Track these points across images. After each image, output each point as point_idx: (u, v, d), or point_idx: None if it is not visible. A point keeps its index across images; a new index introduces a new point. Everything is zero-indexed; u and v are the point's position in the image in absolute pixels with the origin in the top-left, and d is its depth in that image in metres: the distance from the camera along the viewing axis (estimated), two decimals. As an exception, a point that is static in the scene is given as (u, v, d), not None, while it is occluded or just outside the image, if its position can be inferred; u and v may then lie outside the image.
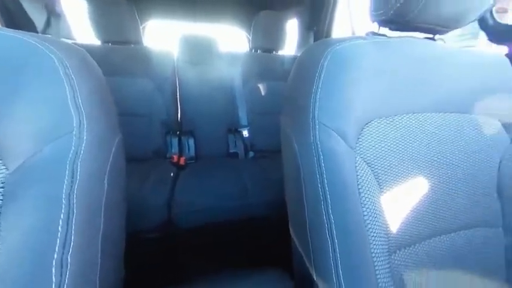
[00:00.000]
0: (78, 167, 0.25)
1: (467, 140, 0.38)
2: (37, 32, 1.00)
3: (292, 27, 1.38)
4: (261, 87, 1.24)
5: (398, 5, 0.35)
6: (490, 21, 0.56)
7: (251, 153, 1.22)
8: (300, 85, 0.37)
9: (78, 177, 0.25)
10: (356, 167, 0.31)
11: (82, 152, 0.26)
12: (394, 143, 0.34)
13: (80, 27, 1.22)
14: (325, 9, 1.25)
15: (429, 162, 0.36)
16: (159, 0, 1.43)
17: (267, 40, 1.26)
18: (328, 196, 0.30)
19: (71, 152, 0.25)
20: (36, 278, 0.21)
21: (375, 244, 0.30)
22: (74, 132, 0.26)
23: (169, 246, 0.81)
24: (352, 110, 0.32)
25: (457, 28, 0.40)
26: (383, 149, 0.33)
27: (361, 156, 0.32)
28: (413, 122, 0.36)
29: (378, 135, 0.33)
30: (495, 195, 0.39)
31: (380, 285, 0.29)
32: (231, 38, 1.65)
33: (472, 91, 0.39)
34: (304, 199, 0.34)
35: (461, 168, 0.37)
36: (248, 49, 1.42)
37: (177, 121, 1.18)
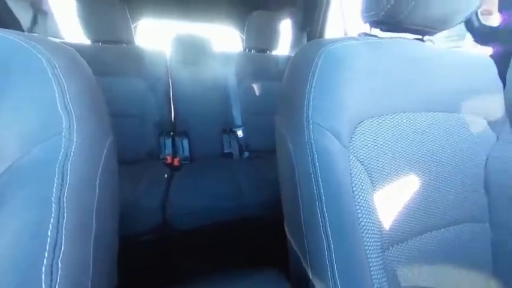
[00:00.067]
0: (68, 169, 0.24)
1: (456, 138, 0.40)
2: (23, 31, 0.96)
3: (285, 27, 1.38)
4: (255, 87, 1.25)
5: (389, 6, 0.36)
6: (476, 23, 0.58)
7: (246, 154, 1.22)
8: (294, 85, 0.37)
9: (68, 180, 0.24)
10: (350, 165, 0.32)
11: (72, 153, 0.25)
12: (386, 142, 0.35)
13: (69, 25, 1.19)
14: (318, 9, 1.26)
15: (419, 160, 0.36)
16: None
17: (260, 40, 1.26)
18: (323, 195, 0.31)
19: (61, 153, 0.24)
20: (25, 284, 0.20)
21: (368, 241, 0.30)
22: (63, 134, 0.25)
23: (164, 249, 0.80)
24: (345, 110, 0.33)
25: (445, 29, 0.41)
26: (375, 147, 0.34)
27: (355, 155, 0.33)
28: (405, 121, 0.37)
29: (370, 134, 0.34)
30: (482, 191, 0.41)
31: (374, 281, 0.30)
32: (225, 38, 1.65)
33: (459, 91, 0.41)
34: (299, 198, 0.34)
35: (450, 166, 0.39)
36: (242, 49, 1.41)
37: (170, 121, 1.17)
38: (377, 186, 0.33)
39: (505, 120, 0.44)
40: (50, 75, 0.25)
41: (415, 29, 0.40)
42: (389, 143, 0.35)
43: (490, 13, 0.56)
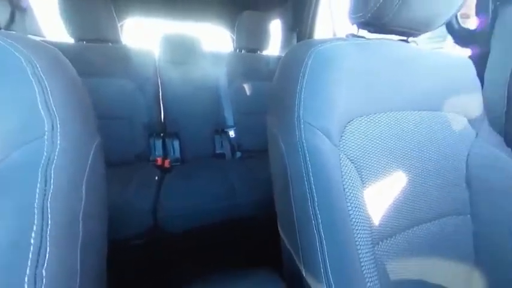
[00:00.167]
0: (52, 173, 0.23)
1: (439, 135, 0.41)
2: None
3: (275, 27, 1.39)
4: (246, 87, 1.25)
5: (375, 8, 0.37)
6: (456, 26, 0.61)
7: (238, 154, 1.21)
8: (284, 85, 0.37)
9: (52, 185, 0.23)
10: (340, 164, 0.32)
11: (56, 157, 0.24)
12: (375, 140, 0.36)
13: (50, 23, 1.14)
14: (307, 10, 1.28)
15: (406, 157, 0.38)
16: None
17: (251, 40, 1.26)
18: (315, 193, 0.31)
19: (43, 157, 0.23)
20: None
21: (359, 237, 0.31)
22: (46, 137, 0.24)
23: (156, 252, 0.79)
24: (335, 109, 0.33)
25: (428, 31, 0.43)
26: (364, 146, 0.35)
27: (345, 153, 0.33)
28: (392, 119, 0.38)
29: (359, 132, 0.35)
30: (464, 185, 0.43)
31: (365, 275, 0.30)
32: (215, 38, 1.63)
33: (441, 90, 0.42)
34: (291, 197, 0.34)
35: (434, 162, 0.40)
36: (232, 49, 1.41)
37: (160, 123, 1.15)
38: (366, 183, 0.34)
39: (484, 117, 0.47)
40: (30, 75, 0.24)
41: (400, 30, 0.41)
42: (377, 141, 0.36)
43: (468, 16, 0.59)
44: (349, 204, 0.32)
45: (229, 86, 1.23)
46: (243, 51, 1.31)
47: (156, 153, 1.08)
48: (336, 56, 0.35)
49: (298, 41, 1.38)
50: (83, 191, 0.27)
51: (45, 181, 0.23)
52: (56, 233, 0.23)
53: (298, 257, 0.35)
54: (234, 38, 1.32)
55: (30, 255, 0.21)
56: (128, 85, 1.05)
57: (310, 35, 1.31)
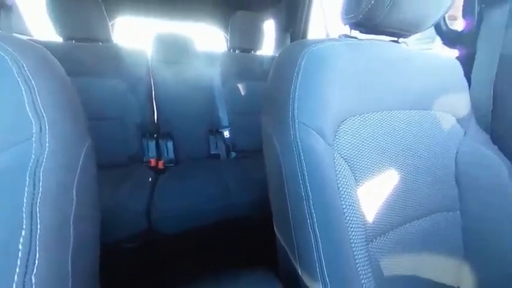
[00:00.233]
0: (41, 176, 0.23)
1: (429, 134, 0.42)
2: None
3: (269, 28, 1.40)
4: (241, 87, 1.24)
5: (366, 9, 0.38)
6: (444, 27, 0.63)
7: (233, 154, 1.21)
8: (278, 85, 0.37)
9: (41, 188, 0.22)
10: (334, 162, 0.33)
11: (44, 160, 0.23)
12: (367, 139, 0.36)
13: (38, 22, 1.10)
14: (300, 10, 1.29)
15: (398, 156, 0.39)
16: None
17: (244, 40, 1.26)
18: (310, 192, 0.32)
19: (31, 160, 0.23)
20: None
21: (353, 235, 0.32)
22: (34, 139, 0.23)
23: (150, 254, 0.78)
24: (328, 109, 0.34)
25: (417, 32, 0.44)
26: (358, 144, 0.35)
27: (339, 152, 0.34)
28: (384, 118, 0.39)
29: (352, 132, 0.36)
30: (453, 182, 0.44)
31: (360, 273, 0.31)
32: (208, 38, 1.62)
33: (430, 90, 0.44)
34: (286, 195, 0.34)
35: (425, 160, 0.41)
36: (226, 49, 1.41)
37: (153, 123, 1.13)
38: (360, 181, 0.35)
39: (471, 116, 0.48)
40: (16, 75, 0.23)
41: (391, 31, 0.42)
42: (370, 140, 0.37)
43: (455, 18, 0.61)
44: (343, 202, 0.32)
45: (224, 86, 1.22)
46: (237, 51, 1.30)
47: (150, 154, 1.07)
48: (329, 56, 0.35)
49: (291, 41, 1.39)
50: (74, 194, 0.26)
51: (34, 184, 0.22)
52: (46, 237, 0.22)
53: (293, 255, 0.35)
54: (228, 38, 1.31)
55: (19, 262, 0.20)
56: (119, 85, 1.03)
57: (304, 35, 1.32)
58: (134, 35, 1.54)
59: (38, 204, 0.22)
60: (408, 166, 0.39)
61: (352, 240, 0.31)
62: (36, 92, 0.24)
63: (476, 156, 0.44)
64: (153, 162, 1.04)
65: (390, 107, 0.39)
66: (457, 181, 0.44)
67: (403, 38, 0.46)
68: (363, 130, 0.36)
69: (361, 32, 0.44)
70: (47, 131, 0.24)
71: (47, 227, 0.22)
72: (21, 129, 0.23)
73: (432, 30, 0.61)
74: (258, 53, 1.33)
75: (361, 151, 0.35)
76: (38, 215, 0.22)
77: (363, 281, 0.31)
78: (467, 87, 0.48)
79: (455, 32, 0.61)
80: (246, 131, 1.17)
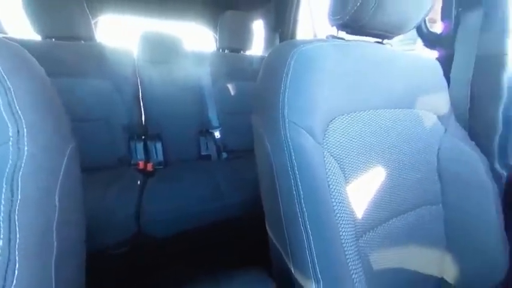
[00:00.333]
0: (19, 182, 0.21)
1: (413, 131, 0.44)
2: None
3: (258, 28, 1.40)
4: (231, 87, 1.24)
5: (352, 11, 0.39)
6: (424, 30, 0.66)
7: (224, 155, 1.20)
8: (268, 85, 0.38)
9: (19, 195, 0.21)
10: (324, 161, 0.34)
11: (23, 164, 0.22)
12: (355, 137, 0.37)
13: (14, 19, 1.04)
14: (288, 11, 1.30)
15: (384, 153, 0.40)
16: None
17: (234, 40, 1.26)
18: (301, 190, 0.32)
19: (8, 165, 0.21)
20: None
21: (344, 231, 0.32)
22: (11, 143, 0.22)
23: (141, 259, 0.76)
24: (318, 108, 0.34)
25: (401, 34, 0.46)
26: (346, 143, 0.36)
27: (328, 150, 0.35)
28: (370, 117, 0.40)
29: (341, 130, 0.36)
30: (436, 177, 0.47)
31: (350, 268, 0.32)
32: (196, 37, 1.60)
33: (413, 89, 0.46)
34: (278, 194, 0.35)
35: (409, 156, 0.43)
36: (215, 49, 1.39)
37: (141, 125, 1.10)
38: (349, 179, 0.36)
39: (451, 114, 0.51)
40: None
41: (376, 33, 0.44)
42: (358, 138, 0.38)
43: (434, 21, 0.64)
44: (333, 200, 0.33)
45: (214, 86, 1.21)
46: (226, 51, 1.30)
47: (138, 156, 1.04)
48: (317, 56, 0.36)
49: (280, 41, 1.40)
50: (56, 199, 0.25)
51: (12, 190, 0.21)
52: (26, 246, 0.21)
53: (286, 254, 0.35)
54: (217, 37, 1.30)
55: None
56: (104, 85, 0.99)
57: (293, 36, 1.34)
58: (119, 33, 1.49)
59: (16, 211, 0.21)
60: (394, 163, 0.41)
61: (342, 237, 0.32)
62: (13, 92, 0.23)
63: (456, 152, 0.47)
64: (141, 164, 1.01)
65: (376, 106, 0.41)
66: (439, 176, 0.47)
67: (388, 39, 0.48)
68: (351, 129, 0.37)
69: (347, 33, 0.45)
70: (25, 134, 0.23)
71: (27, 235, 0.21)
72: None
73: (414, 32, 0.63)
74: (248, 53, 1.33)
75: (349, 149, 0.36)
76: (17, 222, 0.21)
77: (353, 275, 0.32)
78: (447, 86, 0.51)
79: (435, 34, 0.64)
80: (237, 131, 1.17)
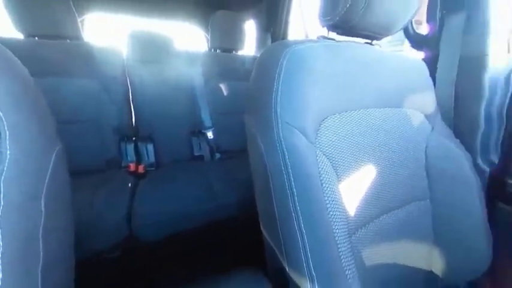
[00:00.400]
0: (1, 187, 0.21)
1: (401, 130, 0.46)
2: None
3: (250, 28, 1.40)
4: (223, 87, 1.23)
5: (342, 12, 0.39)
6: (411, 31, 0.68)
7: (217, 155, 1.19)
8: (261, 85, 0.38)
9: (2, 200, 0.20)
10: (317, 160, 0.34)
11: (5, 168, 0.21)
12: (347, 136, 0.38)
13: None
14: (280, 11, 1.31)
15: (374, 151, 0.41)
16: None
17: (225, 40, 1.25)
18: (294, 189, 0.32)
19: None
20: None
21: (337, 228, 0.33)
22: None
23: (133, 263, 0.74)
24: (310, 108, 0.35)
25: (389, 35, 0.47)
26: (338, 141, 0.37)
27: (321, 149, 0.35)
28: (361, 116, 0.41)
29: (333, 130, 0.37)
30: (424, 174, 0.48)
31: (344, 265, 0.32)
32: (187, 37, 1.58)
33: (402, 89, 0.47)
34: (272, 194, 0.35)
35: (398, 154, 0.44)
36: (207, 48, 1.38)
37: (131, 125, 1.08)
38: (341, 177, 0.37)
39: (437, 113, 0.53)
40: None
41: (366, 34, 0.45)
42: (349, 137, 0.38)
43: (420, 23, 0.66)
44: (326, 198, 0.33)
45: (206, 86, 1.20)
46: (218, 50, 1.29)
47: (129, 158, 1.01)
48: (308, 57, 0.36)
49: (272, 41, 1.41)
50: (43, 204, 0.24)
51: None
52: (10, 255, 0.20)
53: (280, 252, 0.36)
54: (209, 37, 1.29)
55: None
56: (91, 85, 0.97)
57: (284, 36, 1.35)
58: (107, 33, 1.45)
59: None
60: (384, 160, 0.42)
61: (336, 234, 0.33)
62: None
63: (442, 150, 0.48)
64: (132, 166, 0.99)
65: (366, 105, 0.42)
66: (427, 173, 0.48)
67: (377, 40, 0.49)
68: (342, 128, 0.38)
69: (338, 33, 0.46)
70: (8, 137, 0.22)
71: (11, 244, 0.20)
72: None
73: (401, 33, 0.65)
74: (240, 53, 1.33)
75: (341, 148, 0.37)
76: (0, 229, 0.20)
77: (347, 272, 0.32)
78: (433, 86, 0.52)
79: (421, 35, 0.66)
80: (230, 131, 1.17)
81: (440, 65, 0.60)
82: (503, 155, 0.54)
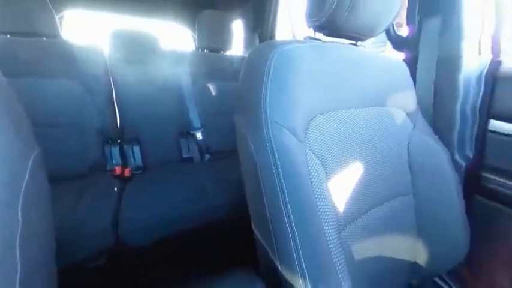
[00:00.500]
0: None
1: (385, 128, 0.48)
2: None
3: (237, 28, 1.39)
4: (211, 87, 1.22)
5: (328, 14, 0.40)
6: (393, 33, 0.71)
7: (207, 156, 1.18)
8: (250, 85, 0.38)
9: None
10: (307, 158, 0.35)
11: None
12: (334, 135, 0.39)
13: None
14: (267, 11, 1.31)
15: (360, 149, 0.42)
16: None
17: (213, 40, 1.24)
18: (285, 188, 0.33)
19: None
20: None
21: (327, 225, 0.34)
22: None
23: (120, 269, 0.71)
24: (298, 108, 0.35)
25: (372, 36, 0.49)
26: (326, 140, 0.38)
27: (310, 148, 0.36)
28: (347, 115, 0.42)
29: (321, 128, 0.38)
30: (407, 170, 0.50)
31: (334, 260, 0.33)
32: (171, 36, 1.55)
33: (385, 89, 0.49)
34: (263, 193, 0.35)
35: (382, 151, 0.46)
36: (194, 48, 1.36)
37: (116, 128, 1.03)
38: (330, 175, 0.37)
39: (418, 111, 0.55)
40: None
41: (351, 35, 0.46)
42: (336, 135, 0.39)
43: (401, 25, 0.69)
44: (316, 196, 0.34)
45: (193, 86, 1.18)
46: (205, 50, 1.27)
47: (114, 161, 0.98)
48: (296, 57, 0.37)
49: (260, 41, 1.41)
50: (19, 213, 0.22)
51: None
52: None
53: (272, 251, 0.36)
54: (196, 37, 1.27)
55: None
56: (72, 85, 0.92)
57: (272, 36, 1.35)
58: (87, 31, 1.39)
59: None
60: (369, 158, 0.44)
61: (325, 230, 0.34)
62: None
63: (423, 146, 0.51)
64: (118, 170, 0.95)
65: (352, 105, 0.43)
66: (410, 168, 0.51)
67: (361, 41, 0.50)
68: (330, 127, 0.39)
69: (324, 34, 0.47)
70: None
71: None
72: None
73: (384, 35, 0.68)
74: (228, 53, 1.32)
75: (329, 146, 0.38)
76: None
77: (337, 267, 0.33)
78: (413, 85, 0.55)
79: (402, 37, 0.69)
80: (219, 132, 1.15)
81: (420, 65, 0.63)
82: (477, 150, 0.57)
